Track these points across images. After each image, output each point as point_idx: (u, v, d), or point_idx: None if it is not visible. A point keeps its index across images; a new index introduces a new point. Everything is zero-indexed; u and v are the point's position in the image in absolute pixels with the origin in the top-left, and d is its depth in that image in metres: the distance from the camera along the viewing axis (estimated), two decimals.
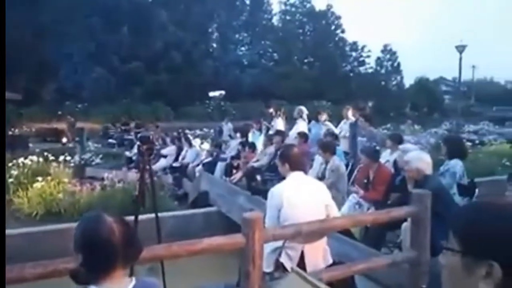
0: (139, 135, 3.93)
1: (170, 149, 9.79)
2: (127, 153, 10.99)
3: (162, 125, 17.04)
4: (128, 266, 1.48)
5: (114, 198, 6.29)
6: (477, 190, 4.23)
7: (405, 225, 3.26)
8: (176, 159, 9.41)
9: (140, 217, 3.43)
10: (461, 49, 18.04)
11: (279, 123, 8.24)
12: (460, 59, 18.15)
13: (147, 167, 3.48)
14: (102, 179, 7.37)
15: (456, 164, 4.18)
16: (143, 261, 1.95)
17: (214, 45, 42.13)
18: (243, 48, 43.71)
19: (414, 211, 2.85)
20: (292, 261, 2.75)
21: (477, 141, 15.59)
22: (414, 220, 2.87)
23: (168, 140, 10.62)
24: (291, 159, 2.98)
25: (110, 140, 16.27)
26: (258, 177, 6.11)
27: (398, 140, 5.36)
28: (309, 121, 8.07)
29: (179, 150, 9.60)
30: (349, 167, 6.05)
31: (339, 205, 4.55)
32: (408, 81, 48.89)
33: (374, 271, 3.13)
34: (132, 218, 3.13)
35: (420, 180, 3.59)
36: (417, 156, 3.70)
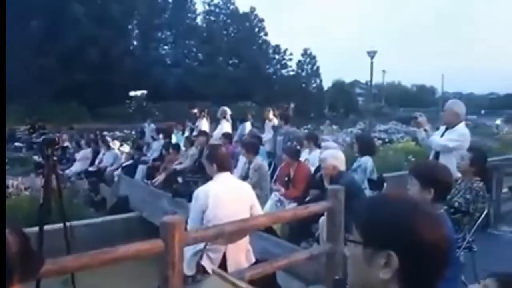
0: (42, 137, 3.58)
1: (85, 152, 9.17)
2: (36, 158, 10.05)
3: (77, 127, 15.89)
4: (28, 281, 1.33)
5: (19, 207, 5.71)
6: (385, 184, 4.60)
7: (322, 220, 3.42)
8: (92, 163, 8.83)
9: (52, 226, 3.16)
10: (372, 54, 19.52)
11: (204, 124, 8.17)
12: (372, 64, 19.64)
13: (54, 171, 3.20)
14: (7, 187, 6.65)
15: (367, 161, 4.50)
16: (50, 274, 1.78)
17: (135, 42, 40.40)
18: (166, 47, 42.57)
19: (330, 206, 3.00)
20: (213, 263, 2.73)
21: (386, 139, 17.01)
22: (330, 214, 3.03)
23: (83, 142, 9.93)
24: (219, 159, 2.95)
25: (17, 144, 14.77)
26: (179, 179, 5.98)
27: (314, 139, 5.62)
28: (241, 122, 8.05)
29: (96, 153, 9.03)
30: (272, 166, 6.21)
31: (263, 203, 4.64)
32: (327, 84, 51.86)
33: (294, 266, 3.23)
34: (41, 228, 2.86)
35: (335, 176, 3.81)
36: (332, 154, 3.92)
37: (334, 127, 23.95)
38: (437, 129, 4.36)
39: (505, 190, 6.02)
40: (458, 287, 1.57)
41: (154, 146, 8.30)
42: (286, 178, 4.85)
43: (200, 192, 2.85)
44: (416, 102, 55.42)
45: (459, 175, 3.26)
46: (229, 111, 7.92)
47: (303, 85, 47.08)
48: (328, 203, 3.03)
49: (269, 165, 6.28)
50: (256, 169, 5.07)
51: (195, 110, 8.76)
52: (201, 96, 28.23)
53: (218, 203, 2.76)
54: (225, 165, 2.98)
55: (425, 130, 4.15)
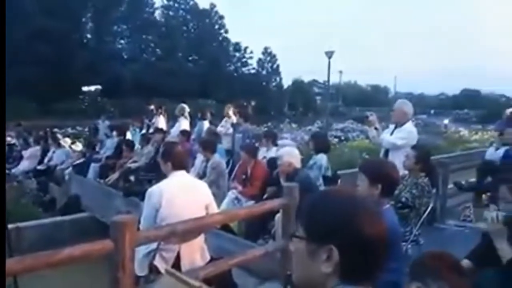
0: None
1: (33, 150, 8.68)
2: None
3: (25, 123, 14.98)
4: None
5: None
6: (339, 181, 4.73)
7: (278, 216, 3.46)
8: (41, 161, 8.38)
9: None
10: (329, 54, 19.99)
11: (161, 121, 7.99)
12: (329, 64, 20.12)
13: None
14: None
15: (322, 158, 4.61)
16: None
17: (89, 36, 38.80)
18: (122, 41, 41.30)
19: (285, 203, 3.05)
20: (167, 263, 2.69)
21: (343, 138, 17.50)
22: (285, 211, 3.08)
23: (31, 140, 9.39)
24: (174, 157, 2.89)
25: None
26: (132, 178, 5.82)
27: (272, 137, 5.67)
28: (200, 119, 7.94)
29: (45, 151, 8.57)
30: (230, 164, 6.19)
31: (220, 201, 4.62)
32: (286, 83, 52.62)
33: (250, 263, 3.25)
34: None
35: (291, 173, 3.87)
36: (288, 151, 3.97)
37: (294, 125, 24.33)
38: (387, 127, 4.53)
39: (450, 186, 6.38)
40: (403, 278, 1.64)
41: (107, 144, 8.00)
42: (244, 176, 4.86)
43: (154, 190, 2.78)
44: (371, 102, 57.57)
45: (406, 171, 3.41)
46: (187, 108, 7.81)
47: (264, 83, 47.50)
48: (283, 200, 3.07)
49: (227, 163, 6.26)
50: (214, 167, 5.03)
51: (152, 107, 8.55)
52: (160, 92, 27.64)
53: (172, 201, 2.71)
54: (181, 163, 2.92)
55: (376, 128, 4.32)
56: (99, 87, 24.55)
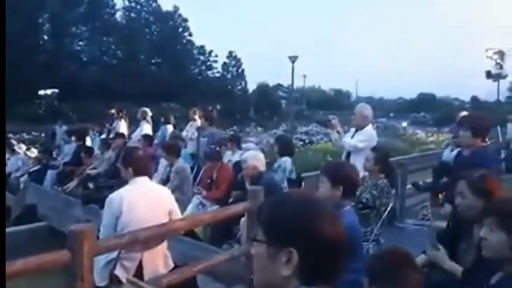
0: None
1: None
2: None
3: None
4: None
5: None
6: (303, 184, 4.80)
7: (243, 220, 3.46)
8: None
9: None
10: (293, 59, 20.31)
11: (122, 126, 7.78)
12: (293, 68, 20.44)
13: None
14: None
15: (286, 161, 4.66)
16: None
17: (46, 37, 37.20)
18: (81, 43, 39.91)
19: (249, 206, 3.04)
20: (128, 272, 2.61)
21: (307, 141, 17.80)
22: (249, 215, 3.07)
23: None
24: (135, 162, 2.81)
25: None
26: (91, 185, 5.62)
27: (237, 141, 5.67)
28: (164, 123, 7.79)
29: None
30: (195, 169, 6.12)
31: (185, 207, 4.56)
32: (252, 86, 52.89)
33: (215, 268, 3.21)
34: None
35: (256, 176, 3.88)
36: (252, 155, 3.99)
37: (259, 128, 24.48)
38: (349, 130, 4.66)
39: (409, 186, 6.63)
40: (364, 278, 1.68)
41: (65, 150, 7.69)
42: (209, 180, 4.82)
43: (114, 197, 2.70)
44: (334, 106, 58.90)
45: (366, 173, 3.51)
46: (149, 112, 7.64)
47: (229, 87, 47.46)
48: (248, 203, 3.07)
49: (192, 167, 6.19)
50: (178, 172, 4.96)
51: (113, 111, 8.31)
52: (122, 96, 26.92)
53: (133, 209, 2.63)
54: (142, 169, 2.85)
55: (338, 131, 4.43)
56: (56, 90, 23.60)
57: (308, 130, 23.62)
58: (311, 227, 0.88)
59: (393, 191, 5.47)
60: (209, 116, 6.94)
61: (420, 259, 2.28)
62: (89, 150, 6.72)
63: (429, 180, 6.50)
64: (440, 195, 5.07)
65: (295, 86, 24.58)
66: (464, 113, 5.84)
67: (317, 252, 0.87)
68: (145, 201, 2.71)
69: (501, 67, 26.68)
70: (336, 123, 4.44)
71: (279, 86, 60.17)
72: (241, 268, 3.05)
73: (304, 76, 54.77)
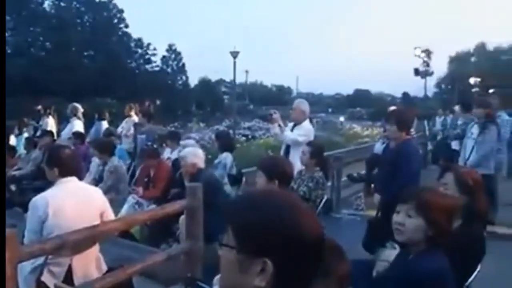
0: None
1: None
2: None
3: None
4: None
5: None
6: (244, 179, 4.82)
7: (182, 219, 3.39)
8: None
9: None
10: (235, 54, 20.33)
11: (49, 123, 7.26)
12: (234, 63, 20.44)
13: None
14: None
15: (227, 157, 4.66)
16: None
17: None
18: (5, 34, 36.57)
19: (188, 204, 2.99)
20: (57, 278, 2.44)
21: (250, 136, 17.92)
22: (188, 212, 3.02)
23: None
24: (61, 162, 2.60)
25: None
26: (13, 187, 5.18)
27: (177, 137, 5.55)
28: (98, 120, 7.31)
29: None
30: (132, 167, 5.90)
31: (120, 207, 4.37)
32: (193, 81, 52.10)
33: (152, 269, 3.12)
34: None
35: (195, 173, 3.82)
36: (191, 152, 3.92)
37: (202, 124, 24.20)
38: (286, 125, 4.76)
39: (344, 178, 6.95)
40: None
41: None
42: (146, 179, 4.66)
43: (38, 200, 2.49)
44: (276, 101, 60.04)
45: (303, 167, 3.61)
46: (80, 108, 7.20)
47: (169, 81, 46.30)
48: (186, 201, 3.01)
49: (129, 165, 5.96)
50: (112, 171, 4.73)
51: (39, 107, 7.72)
52: (51, 90, 25.22)
53: (59, 212, 2.46)
54: (69, 169, 2.65)
55: (279, 126, 4.51)
56: None
57: (251, 125, 23.77)
58: (291, 233, 0.79)
59: (329, 183, 5.72)
60: (146, 112, 6.71)
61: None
62: (13, 149, 6.17)
63: (363, 171, 6.87)
64: (372, 185, 5.37)
65: (237, 82, 24.62)
66: (392, 108, 6.22)
67: (296, 259, 0.80)
68: (73, 203, 2.54)
69: (427, 65, 28.86)
70: (277, 117, 4.52)
71: (221, 81, 59.97)
72: (180, 267, 3.00)
73: (247, 71, 55.13)
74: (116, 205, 4.34)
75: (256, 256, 0.79)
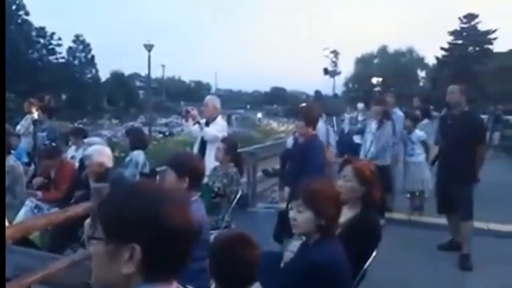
0: None
1: None
2: None
3: None
4: None
5: None
6: (157, 177, 4.66)
7: (87, 222, 3.17)
8: None
9: None
10: (149, 47, 19.55)
11: None
12: (149, 57, 19.68)
13: None
14: None
15: (139, 155, 4.45)
16: None
17: None
18: None
19: (93, 206, 2.80)
20: None
21: (167, 133, 17.47)
22: (93, 215, 2.82)
23: None
24: None
25: None
26: None
27: (82, 134, 5.19)
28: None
29: None
30: (33, 168, 5.37)
31: (17, 212, 3.96)
32: (104, 75, 48.92)
33: (55, 277, 2.87)
34: None
35: (103, 173, 3.59)
36: (97, 150, 3.68)
37: (114, 121, 22.92)
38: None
39: (259, 173, 7.13)
40: (206, 265, 1.72)
41: None
42: (47, 180, 4.27)
43: None
44: (195, 97, 59.39)
45: (217, 163, 3.62)
46: None
47: (77, 74, 42.92)
48: (91, 203, 2.81)
49: (28, 166, 5.42)
50: (7, 171, 4.23)
51: None
52: None
53: None
54: None
55: (198, 122, 4.46)
56: None
57: (169, 121, 23.20)
58: (157, 219, 0.82)
59: (245, 178, 5.82)
60: (46, 107, 6.13)
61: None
62: None
63: (277, 166, 7.12)
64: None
65: (153, 77, 23.77)
66: (303, 105, 6.53)
67: (163, 245, 0.82)
68: None
69: (336, 65, 30.90)
70: (196, 113, 4.47)
71: (135, 75, 57.35)
72: (84, 273, 2.80)
73: (163, 66, 53.50)
74: (12, 209, 3.93)
75: (124, 243, 0.81)
